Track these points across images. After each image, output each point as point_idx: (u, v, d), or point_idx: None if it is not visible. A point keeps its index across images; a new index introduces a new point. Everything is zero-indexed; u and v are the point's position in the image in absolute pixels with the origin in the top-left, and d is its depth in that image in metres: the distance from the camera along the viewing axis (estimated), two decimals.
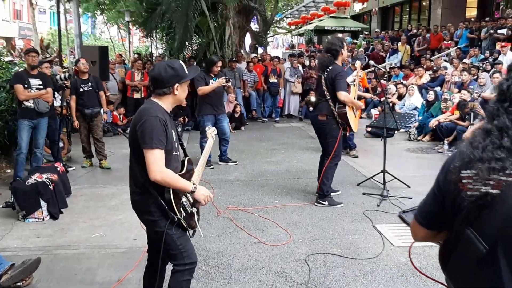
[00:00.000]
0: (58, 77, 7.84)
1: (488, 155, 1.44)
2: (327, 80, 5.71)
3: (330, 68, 5.70)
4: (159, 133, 2.79)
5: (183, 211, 2.95)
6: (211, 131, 3.55)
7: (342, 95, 5.61)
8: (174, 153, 2.98)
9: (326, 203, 5.90)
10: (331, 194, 6.08)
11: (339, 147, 5.90)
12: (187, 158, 3.14)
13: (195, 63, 12.60)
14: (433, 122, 9.67)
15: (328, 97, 5.71)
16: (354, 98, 6.07)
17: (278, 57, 15.14)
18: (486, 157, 1.44)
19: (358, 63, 6.85)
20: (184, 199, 2.97)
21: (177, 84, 2.92)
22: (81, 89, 7.79)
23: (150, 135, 2.77)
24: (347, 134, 6.26)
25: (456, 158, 1.56)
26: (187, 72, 3.00)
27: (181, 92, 2.98)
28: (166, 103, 2.97)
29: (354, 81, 6.41)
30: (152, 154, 2.77)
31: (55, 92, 7.73)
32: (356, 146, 8.80)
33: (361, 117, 10.56)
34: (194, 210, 3.05)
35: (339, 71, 5.67)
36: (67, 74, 7.88)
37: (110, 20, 30.02)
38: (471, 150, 1.49)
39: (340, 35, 24.53)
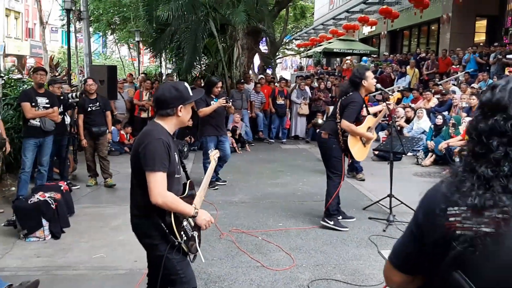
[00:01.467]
0: (69, 95, 7.90)
1: (487, 203, 1.32)
2: (342, 104, 5.73)
3: (349, 94, 5.71)
4: (162, 156, 2.76)
5: (184, 235, 2.89)
6: (213, 154, 3.52)
7: (344, 123, 5.60)
8: (176, 175, 2.94)
9: (332, 223, 5.81)
10: (346, 220, 6.02)
11: (344, 168, 5.85)
12: (189, 181, 3.10)
13: (202, 83, 12.64)
14: (442, 145, 9.60)
15: (338, 120, 5.71)
16: (369, 128, 6.00)
17: (284, 79, 15.19)
18: (484, 204, 1.32)
19: (395, 95, 6.80)
20: (185, 223, 2.92)
21: (181, 106, 2.90)
22: (89, 108, 7.88)
23: (153, 158, 2.74)
24: (349, 160, 6.20)
25: (439, 200, 1.42)
26: (191, 94, 2.99)
27: (184, 113, 2.95)
28: (169, 125, 2.94)
29: (376, 114, 6.35)
30: (154, 177, 2.73)
31: (66, 111, 7.79)
32: (362, 169, 8.72)
33: None
34: (196, 234, 3.00)
35: (354, 100, 5.66)
36: (78, 93, 7.96)
37: (120, 40, 30.36)
38: (459, 196, 1.37)
39: (349, 57, 24.62)
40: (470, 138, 1.43)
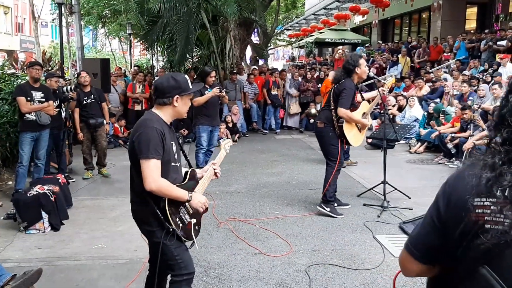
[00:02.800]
0: (64, 89, 7.93)
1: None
2: (335, 92, 5.82)
3: (341, 81, 5.79)
4: (155, 144, 2.82)
5: (179, 222, 2.95)
6: (225, 143, 3.56)
7: (341, 111, 5.69)
8: (173, 163, 2.99)
9: (328, 209, 5.90)
10: (341, 206, 6.12)
11: (341, 155, 5.94)
12: (190, 170, 3.17)
13: (195, 76, 12.66)
14: (434, 134, 9.72)
15: (332, 107, 5.81)
16: (364, 114, 6.09)
17: (277, 69, 15.22)
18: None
19: (389, 82, 6.89)
20: (181, 210, 2.98)
21: (177, 96, 2.95)
22: (84, 102, 7.94)
23: (146, 145, 2.81)
24: (345, 146, 6.29)
25: (466, 190, 1.35)
26: (190, 86, 3.04)
27: (181, 105, 3.01)
28: (166, 114, 3.00)
29: (370, 101, 6.43)
30: (147, 164, 2.80)
31: (62, 104, 7.83)
32: (349, 156, 8.79)
33: None
34: (194, 221, 3.06)
35: (346, 87, 5.75)
36: (72, 86, 7.99)
37: (111, 33, 30.21)
38: (497, 188, 1.29)
39: (340, 47, 24.66)
40: (497, 125, 1.39)
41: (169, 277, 3.11)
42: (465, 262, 1.36)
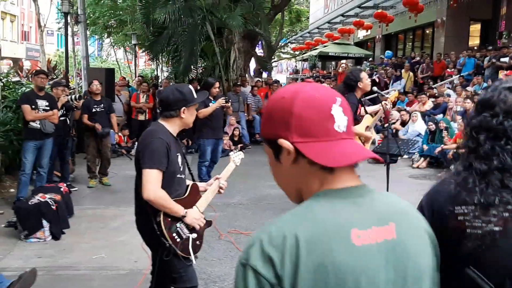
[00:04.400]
0: (69, 97, 7.98)
1: (491, 199, 1.36)
2: None
3: (345, 96, 5.78)
4: (160, 154, 2.82)
5: (176, 237, 2.92)
6: (235, 156, 3.52)
7: None
8: (178, 175, 2.99)
9: None
10: None
11: None
12: (192, 183, 3.15)
13: (198, 86, 12.70)
14: (437, 150, 9.73)
15: None
16: (367, 127, 6.07)
17: (277, 81, 15.34)
18: (488, 200, 1.36)
19: (393, 94, 6.87)
20: (179, 224, 2.94)
21: (184, 108, 2.95)
22: (93, 109, 7.98)
23: (151, 156, 2.81)
24: None
25: (446, 200, 1.45)
26: (195, 97, 3.05)
27: (188, 115, 3.01)
28: (173, 126, 3.00)
29: (373, 114, 6.42)
30: (149, 173, 2.80)
31: (67, 112, 7.87)
32: None
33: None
34: (193, 236, 3.01)
35: (349, 102, 5.72)
36: (77, 95, 8.03)
37: (117, 43, 30.35)
38: (466, 194, 1.40)
39: (343, 61, 24.73)
40: (465, 134, 1.51)
41: None
42: (451, 268, 1.40)
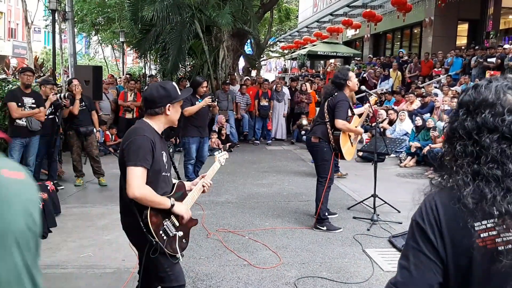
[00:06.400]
0: (58, 96, 7.89)
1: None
2: (329, 106, 5.87)
3: (335, 95, 5.85)
4: (145, 152, 2.81)
5: (163, 234, 2.89)
6: (220, 155, 3.57)
7: (339, 123, 5.72)
8: (163, 173, 2.97)
9: (325, 228, 5.87)
10: (328, 216, 6.11)
11: (332, 171, 5.96)
12: (177, 182, 3.14)
13: (187, 85, 12.65)
14: (425, 149, 9.79)
15: (327, 120, 5.85)
16: (355, 127, 6.14)
17: (267, 80, 15.29)
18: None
19: (372, 99, 6.97)
20: (166, 222, 2.92)
21: (169, 105, 2.94)
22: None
23: (135, 153, 2.80)
24: (339, 160, 6.33)
25: (462, 217, 1.31)
26: (179, 93, 3.03)
27: (173, 112, 3.00)
28: (158, 124, 2.99)
29: (361, 115, 6.50)
30: (134, 170, 2.78)
31: (56, 111, 7.79)
32: (339, 169, 8.82)
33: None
34: (180, 234, 3.00)
35: (341, 99, 5.81)
36: (66, 93, 7.94)
37: (104, 41, 30.17)
38: (488, 206, 1.27)
39: (332, 60, 24.80)
40: (455, 139, 1.39)
41: None
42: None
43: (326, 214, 6.00)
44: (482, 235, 1.28)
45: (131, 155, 2.80)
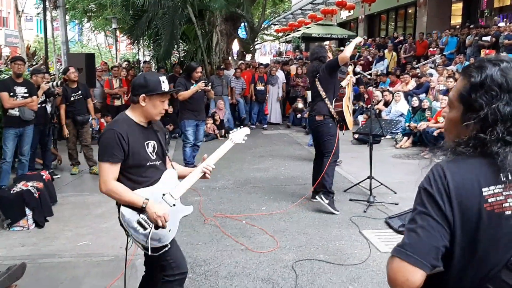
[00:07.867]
0: (50, 84, 7.83)
1: None
2: (320, 80, 5.93)
3: (321, 68, 5.92)
4: (111, 147, 2.78)
5: (139, 227, 2.80)
6: (235, 133, 3.50)
7: (340, 58, 5.76)
8: (149, 163, 2.90)
9: (327, 201, 5.83)
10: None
11: (337, 146, 5.99)
12: (166, 170, 3.01)
13: (181, 70, 12.57)
14: (421, 125, 9.77)
15: (324, 96, 5.88)
16: (349, 98, 6.24)
17: (262, 64, 15.18)
18: None
19: (350, 68, 6.98)
20: (142, 216, 2.81)
21: (143, 95, 2.84)
22: (72, 98, 7.80)
23: (103, 148, 2.81)
24: (343, 132, 6.40)
25: (463, 181, 1.36)
26: (163, 88, 2.87)
27: (149, 105, 2.86)
28: (137, 114, 2.92)
29: (348, 84, 6.55)
30: (101, 166, 2.82)
31: (48, 99, 7.74)
32: None
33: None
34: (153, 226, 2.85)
35: (328, 62, 5.96)
36: (58, 82, 7.88)
37: (97, 28, 29.88)
38: (499, 171, 1.33)
39: (327, 42, 24.66)
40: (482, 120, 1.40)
41: None
42: (475, 254, 1.35)
43: (333, 195, 5.98)
44: (490, 200, 1.33)
45: (99, 150, 2.82)
